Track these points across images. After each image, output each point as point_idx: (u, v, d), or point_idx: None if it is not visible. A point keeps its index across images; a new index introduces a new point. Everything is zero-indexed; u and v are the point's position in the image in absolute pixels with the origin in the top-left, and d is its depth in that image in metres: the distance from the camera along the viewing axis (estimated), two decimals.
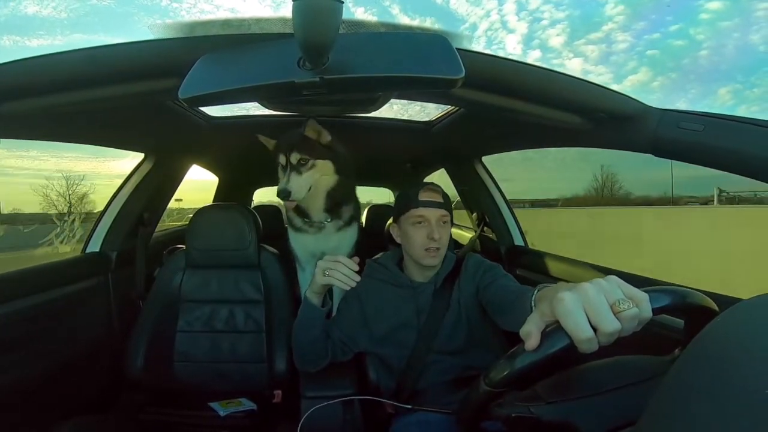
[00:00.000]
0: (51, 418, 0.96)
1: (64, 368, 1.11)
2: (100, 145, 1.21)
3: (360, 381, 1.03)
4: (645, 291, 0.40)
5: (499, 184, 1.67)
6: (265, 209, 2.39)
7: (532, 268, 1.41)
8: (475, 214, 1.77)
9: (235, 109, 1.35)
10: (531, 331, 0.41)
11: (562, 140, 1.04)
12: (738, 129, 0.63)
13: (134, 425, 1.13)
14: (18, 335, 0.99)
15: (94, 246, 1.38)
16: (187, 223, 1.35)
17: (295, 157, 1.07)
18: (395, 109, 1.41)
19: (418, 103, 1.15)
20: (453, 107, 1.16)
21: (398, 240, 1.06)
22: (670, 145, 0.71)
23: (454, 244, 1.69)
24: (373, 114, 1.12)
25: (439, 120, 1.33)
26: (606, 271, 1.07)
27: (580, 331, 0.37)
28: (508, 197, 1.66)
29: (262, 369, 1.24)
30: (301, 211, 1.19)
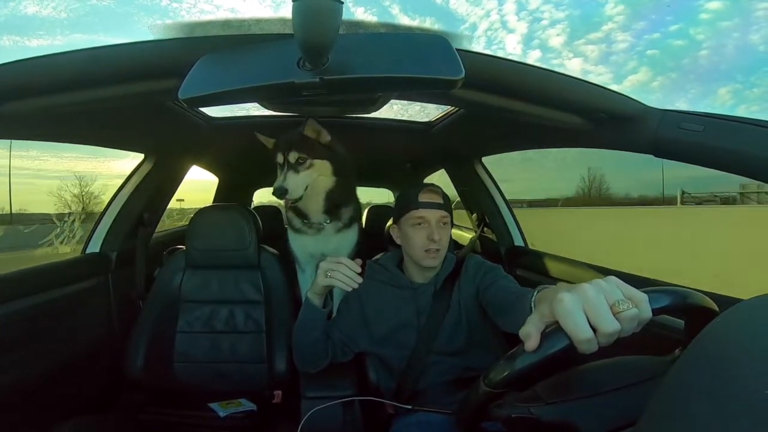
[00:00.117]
0: (51, 418, 0.96)
1: (64, 368, 1.11)
2: (100, 146, 1.21)
3: (360, 382, 1.03)
4: (644, 291, 0.40)
5: (498, 184, 1.67)
6: (265, 210, 2.39)
7: (532, 268, 1.41)
8: (475, 214, 1.77)
9: (235, 110, 1.35)
10: (530, 332, 0.41)
11: (562, 141, 1.04)
12: (738, 129, 0.63)
13: (134, 425, 1.12)
14: (18, 335, 0.99)
15: (94, 246, 1.38)
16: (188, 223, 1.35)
17: (293, 156, 1.07)
18: (395, 110, 1.41)
19: (418, 103, 1.15)
20: (453, 108, 1.16)
21: (398, 241, 1.06)
22: (671, 145, 0.71)
23: (454, 244, 1.69)
24: (373, 114, 1.12)
25: (439, 120, 1.33)
26: (606, 272, 1.07)
27: (580, 332, 0.37)
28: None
29: (262, 369, 1.24)
30: (299, 212, 1.19)
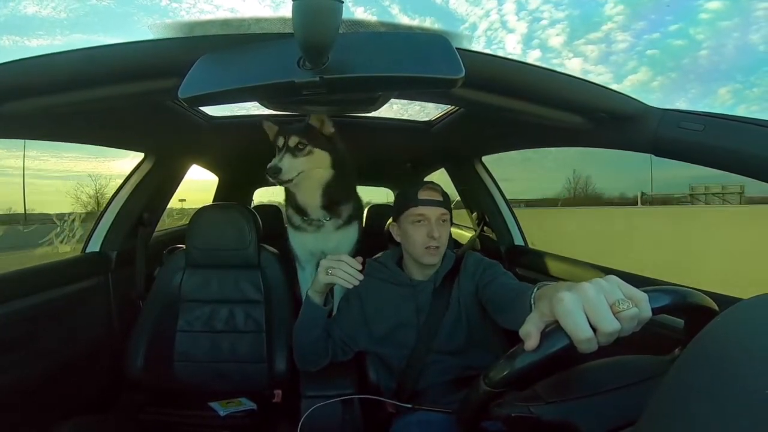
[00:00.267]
0: (51, 418, 0.96)
1: (64, 368, 1.11)
2: (100, 145, 1.21)
3: (360, 381, 1.03)
4: (644, 291, 0.40)
5: (498, 183, 1.67)
6: (265, 209, 2.39)
7: (532, 267, 1.41)
8: (475, 213, 1.77)
9: (235, 109, 1.35)
10: (530, 331, 0.41)
11: (563, 140, 1.04)
12: (738, 129, 0.63)
13: (134, 425, 1.13)
14: (18, 335, 0.99)
15: (94, 246, 1.38)
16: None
17: (293, 140, 1.07)
18: (395, 109, 1.41)
19: (418, 102, 1.15)
20: (453, 107, 1.16)
21: (398, 239, 1.06)
22: (671, 145, 0.71)
23: (454, 243, 1.69)
24: (373, 114, 1.12)
25: (439, 120, 1.33)
26: (606, 271, 1.07)
27: (580, 332, 0.37)
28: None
29: (262, 369, 1.24)
30: (299, 209, 1.19)
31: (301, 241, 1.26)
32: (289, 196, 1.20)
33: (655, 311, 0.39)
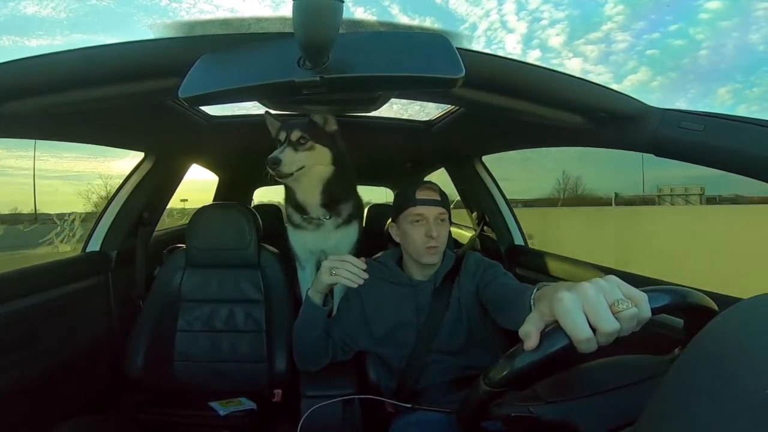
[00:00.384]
0: (51, 418, 0.97)
1: (64, 368, 1.11)
2: (100, 145, 1.21)
3: (360, 380, 1.03)
4: (644, 291, 0.40)
5: (499, 183, 1.67)
6: (265, 209, 2.39)
7: (532, 267, 1.41)
8: (475, 213, 1.77)
9: (235, 109, 1.35)
10: (530, 331, 0.41)
11: (563, 140, 1.04)
12: (738, 129, 0.63)
13: (134, 425, 1.13)
14: (18, 335, 0.99)
15: (94, 245, 1.38)
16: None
17: (295, 135, 1.07)
18: (395, 109, 1.41)
19: (418, 102, 1.15)
20: (453, 107, 1.16)
21: (397, 239, 1.06)
22: (671, 144, 0.71)
23: (454, 243, 1.69)
24: (373, 113, 1.12)
25: (439, 119, 1.33)
26: (606, 271, 1.07)
27: (579, 332, 0.37)
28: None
29: (262, 368, 1.24)
30: (298, 207, 1.19)
31: (300, 240, 1.26)
32: (289, 193, 1.20)
33: (654, 311, 0.39)
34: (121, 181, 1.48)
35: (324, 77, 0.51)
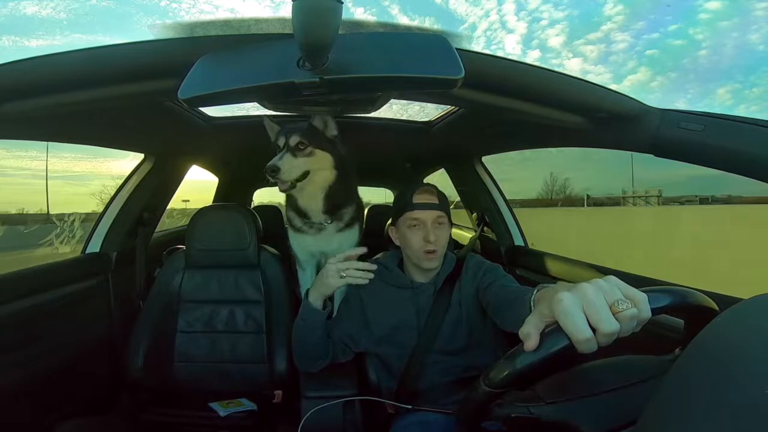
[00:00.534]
0: (51, 418, 0.97)
1: (65, 368, 1.11)
2: (100, 146, 1.21)
3: (360, 381, 1.03)
4: (644, 291, 0.40)
5: (498, 184, 1.67)
6: (265, 209, 2.40)
7: (532, 268, 1.41)
8: (475, 214, 1.77)
9: (234, 110, 1.35)
10: (530, 332, 0.41)
11: (563, 140, 1.04)
12: (738, 129, 0.63)
13: (135, 426, 1.13)
14: (19, 336, 0.99)
15: (94, 246, 1.38)
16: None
17: (294, 140, 1.05)
18: (395, 109, 1.41)
19: (418, 103, 1.15)
20: (453, 107, 1.16)
21: (396, 242, 1.06)
22: (671, 145, 0.71)
23: (454, 244, 1.68)
24: (372, 114, 1.12)
25: (438, 120, 1.33)
26: (605, 272, 1.07)
27: (579, 332, 0.37)
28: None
29: (263, 369, 1.24)
30: (300, 212, 1.19)
31: (301, 243, 1.26)
32: (290, 198, 1.19)
33: (654, 311, 0.39)
34: (120, 182, 1.48)
35: (324, 78, 0.51)
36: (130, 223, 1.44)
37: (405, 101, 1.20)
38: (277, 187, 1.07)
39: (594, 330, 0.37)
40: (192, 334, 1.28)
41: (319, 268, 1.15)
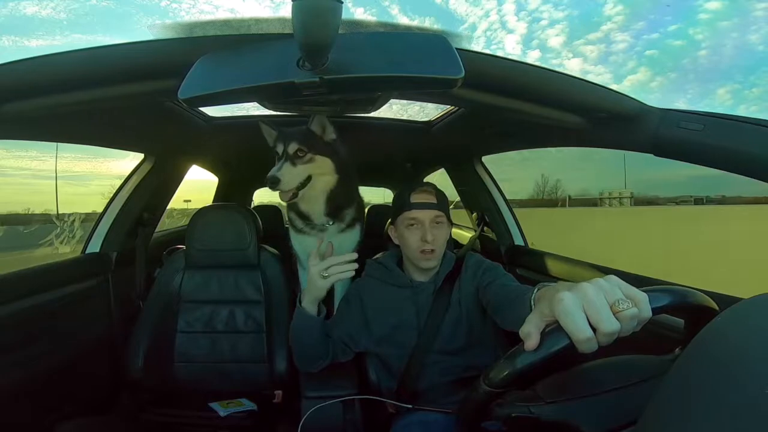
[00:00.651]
0: (51, 418, 0.97)
1: (65, 368, 1.11)
2: (100, 146, 1.21)
3: (361, 381, 1.03)
4: (645, 291, 0.40)
5: (498, 183, 1.67)
6: (265, 209, 2.40)
7: (532, 267, 1.41)
8: (475, 213, 1.77)
9: (234, 110, 1.35)
10: (530, 332, 0.41)
11: (563, 140, 1.04)
12: (738, 129, 0.63)
13: (135, 426, 1.13)
14: (19, 336, 0.99)
15: (94, 246, 1.38)
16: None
17: (293, 147, 1.04)
18: (395, 109, 1.41)
19: (418, 103, 1.15)
20: (453, 107, 1.16)
21: (396, 242, 1.06)
22: (671, 144, 0.71)
23: (454, 244, 1.69)
24: (372, 114, 1.12)
25: (438, 120, 1.33)
26: (606, 271, 1.07)
27: (580, 332, 0.37)
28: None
29: (263, 369, 1.24)
30: (301, 214, 1.18)
31: (303, 244, 1.25)
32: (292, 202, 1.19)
33: (655, 311, 0.39)
34: (120, 182, 1.48)
35: (324, 78, 0.51)
36: (130, 223, 1.44)
37: (405, 101, 1.20)
38: None
39: (594, 330, 0.37)
40: (192, 334, 1.28)
41: None
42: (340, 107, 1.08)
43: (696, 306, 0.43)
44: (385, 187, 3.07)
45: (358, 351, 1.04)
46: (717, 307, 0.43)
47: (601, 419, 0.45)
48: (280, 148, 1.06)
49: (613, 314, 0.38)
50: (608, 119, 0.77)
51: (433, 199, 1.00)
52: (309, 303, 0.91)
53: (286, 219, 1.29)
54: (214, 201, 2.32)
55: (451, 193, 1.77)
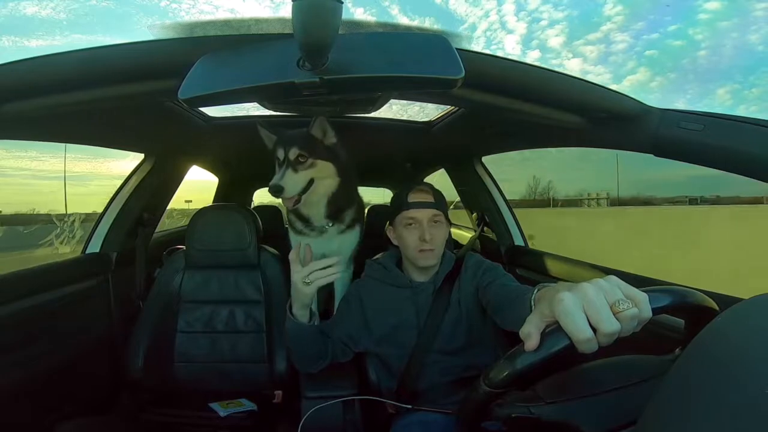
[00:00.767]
0: (51, 418, 0.97)
1: (65, 368, 1.11)
2: (100, 146, 1.21)
3: (360, 381, 1.03)
4: (645, 291, 0.40)
5: (498, 184, 1.67)
6: (265, 209, 2.40)
7: (532, 267, 1.41)
8: (475, 214, 1.77)
9: (234, 110, 1.34)
10: (530, 332, 0.41)
11: (563, 140, 1.04)
12: (738, 129, 0.63)
13: (135, 426, 1.13)
14: (19, 336, 0.99)
15: (95, 246, 1.38)
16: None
17: (293, 153, 1.03)
18: (395, 110, 1.41)
19: (418, 103, 1.15)
20: (453, 107, 1.16)
21: (394, 242, 1.06)
22: (670, 144, 0.71)
23: (454, 244, 1.69)
24: (372, 114, 1.12)
25: (438, 120, 1.33)
26: (606, 271, 1.07)
27: (580, 332, 0.37)
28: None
29: (263, 369, 1.24)
30: (301, 216, 1.18)
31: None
32: None
33: (655, 311, 0.39)
34: (120, 182, 1.48)
35: (324, 78, 0.51)
36: (130, 223, 1.44)
37: (405, 101, 1.20)
38: None
39: (595, 330, 0.37)
40: (192, 334, 1.28)
41: None
42: (340, 107, 1.07)
43: (696, 306, 0.43)
44: (385, 187, 3.07)
45: (357, 351, 1.04)
46: (717, 308, 0.43)
47: (601, 419, 0.45)
48: (280, 154, 1.05)
49: (614, 314, 0.38)
50: (608, 119, 0.77)
51: (430, 199, 1.00)
52: (298, 309, 0.89)
53: (286, 219, 1.29)
54: (214, 201, 2.33)
55: (451, 194, 1.77)
